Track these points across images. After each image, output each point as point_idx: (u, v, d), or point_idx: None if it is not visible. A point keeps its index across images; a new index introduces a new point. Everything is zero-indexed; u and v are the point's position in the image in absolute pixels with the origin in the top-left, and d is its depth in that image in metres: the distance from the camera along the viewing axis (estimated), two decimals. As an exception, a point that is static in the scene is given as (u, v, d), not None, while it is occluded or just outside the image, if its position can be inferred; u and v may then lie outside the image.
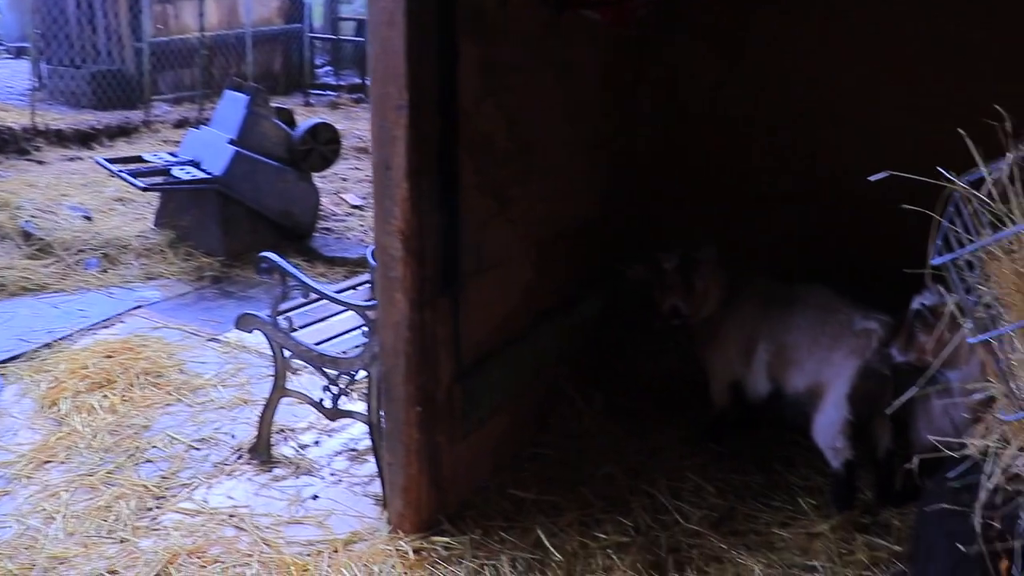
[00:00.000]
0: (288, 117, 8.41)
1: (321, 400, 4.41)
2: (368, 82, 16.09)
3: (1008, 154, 2.39)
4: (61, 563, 3.76)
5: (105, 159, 7.92)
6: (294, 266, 4.54)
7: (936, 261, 1.92)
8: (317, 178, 8.37)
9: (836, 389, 4.00)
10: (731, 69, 5.17)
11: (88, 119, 11.74)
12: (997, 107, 2.48)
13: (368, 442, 4.61)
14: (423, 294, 3.42)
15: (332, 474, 4.53)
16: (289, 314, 4.50)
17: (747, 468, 4.50)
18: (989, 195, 2.39)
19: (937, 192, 2.52)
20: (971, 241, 2.23)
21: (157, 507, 4.19)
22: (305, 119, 8.50)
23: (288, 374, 4.57)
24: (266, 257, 4.42)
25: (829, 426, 4.05)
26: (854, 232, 4.87)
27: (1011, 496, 2.24)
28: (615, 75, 4.93)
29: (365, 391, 4.39)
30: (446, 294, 3.57)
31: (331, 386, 4.36)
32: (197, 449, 4.71)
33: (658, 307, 4.47)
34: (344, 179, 10.41)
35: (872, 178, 2.58)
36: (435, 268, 3.47)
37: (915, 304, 3.60)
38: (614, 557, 3.75)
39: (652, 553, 3.80)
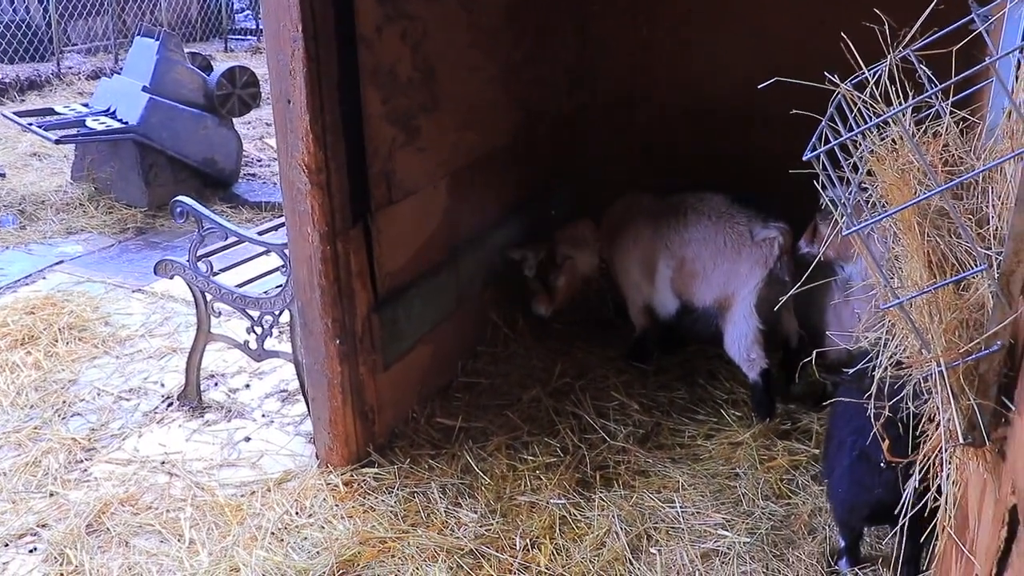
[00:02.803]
0: (204, 63, 8.21)
1: (246, 342, 4.40)
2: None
3: (888, 56, 2.44)
4: (-11, 520, 3.74)
5: (14, 113, 7.67)
6: (212, 210, 4.49)
7: (808, 156, 1.97)
8: (240, 124, 8.23)
9: (744, 300, 4.09)
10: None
11: (-7, 72, 11.35)
12: (876, 11, 2.54)
13: (297, 382, 4.64)
14: (333, 226, 3.41)
15: (263, 415, 4.55)
16: (209, 259, 4.46)
17: (672, 384, 4.62)
18: (872, 96, 2.45)
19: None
20: (853, 141, 2.28)
21: (87, 459, 4.18)
22: (222, 64, 8.30)
23: (212, 319, 4.54)
24: (180, 201, 4.36)
25: (742, 338, 4.15)
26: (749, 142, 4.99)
27: (899, 383, 2.33)
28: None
29: (289, 331, 4.41)
30: (357, 225, 3.56)
31: (255, 327, 4.35)
32: (126, 400, 4.68)
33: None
34: (268, 124, 10.20)
35: (761, 86, 2.63)
36: (343, 199, 3.45)
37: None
38: (542, 477, 3.84)
39: (579, 471, 3.89)
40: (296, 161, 3.30)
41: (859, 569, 3.24)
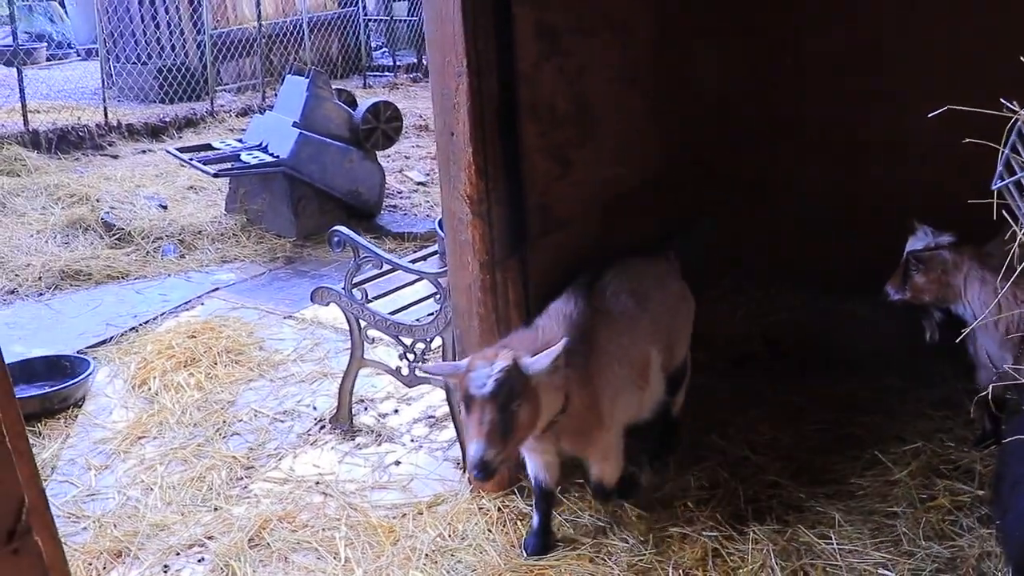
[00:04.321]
0: (350, 98, 8.56)
1: (398, 368, 4.53)
2: (426, 61, 16.27)
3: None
4: (162, 530, 3.96)
5: (176, 149, 8.17)
6: (365, 239, 4.67)
7: (996, 185, 1.91)
8: (381, 157, 8.51)
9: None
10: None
11: (156, 112, 12.11)
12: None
13: (447, 408, 4.74)
14: (493, 256, 3.49)
15: (412, 440, 4.66)
16: (363, 286, 4.62)
17: (819, 419, 4.49)
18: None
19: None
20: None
21: (247, 476, 4.38)
22: (365, 100, 8.63)
23: (365, 345, 4.70)
24: (337, 231, 4.54)
25: None
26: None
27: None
28: (671, 34, 4.92)
29: (441, 358, 4.52)
30: (515, 256, 3.63)
31: (407, 354, 4.46)
32: (281, 421, 4.88)
33: None
34: (407, 157, 10.54)
35: (932, 114, 2.58)
36: (502, 230, 3.53)
37: (909, 247, 3.93)
38: (694, 509, 3.80)
39: (731, 505, 3.83)
40: (459, 192, 3.40)
41: (1036, 621, 3.07)
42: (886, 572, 3.34)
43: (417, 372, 4.44)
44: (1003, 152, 2.14)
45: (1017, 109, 2.41)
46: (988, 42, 4.38)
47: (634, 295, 3.67)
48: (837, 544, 3.51)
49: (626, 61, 4.37)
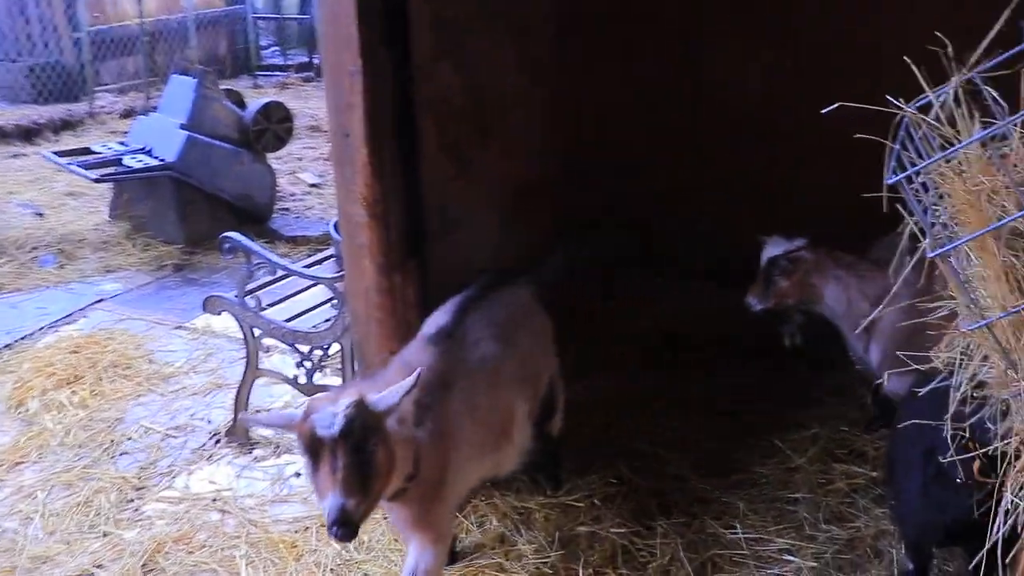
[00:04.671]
0: (238, 99, 8.27)
1: (295, 377, 4.38)
2: (317, 60, 15.92)
3: (952, 78, 2.41)
4: (44, 562, 3.72)
5: (53, 153, 7.73)
6: (258, 244, 4.49)
7: (891, 180, 1.93)
8: (272, 159, 8.25)
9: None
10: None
11: (29, 113, 11.40)
12: (938, 34, 2.51)
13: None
14: (390, 259, 3.38)
15: (313, 451, 4.51)
16: (257, 293, 4.45)
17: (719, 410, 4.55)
18: (937, 119, 2.42)
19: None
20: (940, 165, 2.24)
21: (138, 498, 4.16)
22: (255, 101, 8.36)
23: (260, 354, 4.53)
24: (228, 236, 4.35)
25: None
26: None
27: (979, 404, 2.29)
28: (570, 28, 4.89)
29: (339, 364, 4.39)
30: (413, 258, 3.53)
31: (304, 362, 4.32)
32: (174, 437, 4.66)
33: None
34: (299, 159, 10.28)
35: (825, 111, 2.60)
36: (400, 232, 3.42)
37: (766, 255, 4.05)
38: (601, 507, 3.78)
39: (638, 500, 3.83)
40: (354, 194, 3.28)
41: (931, 595, 3.17)
42: (790, 557, 3.43)
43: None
44: (894, 149, 2.16)
45: (903, 106, 2.45)
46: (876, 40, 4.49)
47: (498, 340, 3.28)
48: (743, 533, 3.60)
49: (525, 56, 4.31)
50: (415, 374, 2.64)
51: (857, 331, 3.82)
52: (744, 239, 4.14)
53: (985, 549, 2.26)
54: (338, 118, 3.23)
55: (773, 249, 4.05)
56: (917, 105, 2.41)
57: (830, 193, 4.23)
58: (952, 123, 2.38)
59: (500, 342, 3.27)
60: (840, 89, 2.57)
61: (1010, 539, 2.28)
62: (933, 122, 2.39)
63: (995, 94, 2.29)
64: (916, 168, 1.99)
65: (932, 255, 1.75)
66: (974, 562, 2.36)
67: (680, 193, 5.24)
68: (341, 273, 3.96)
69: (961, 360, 2.14)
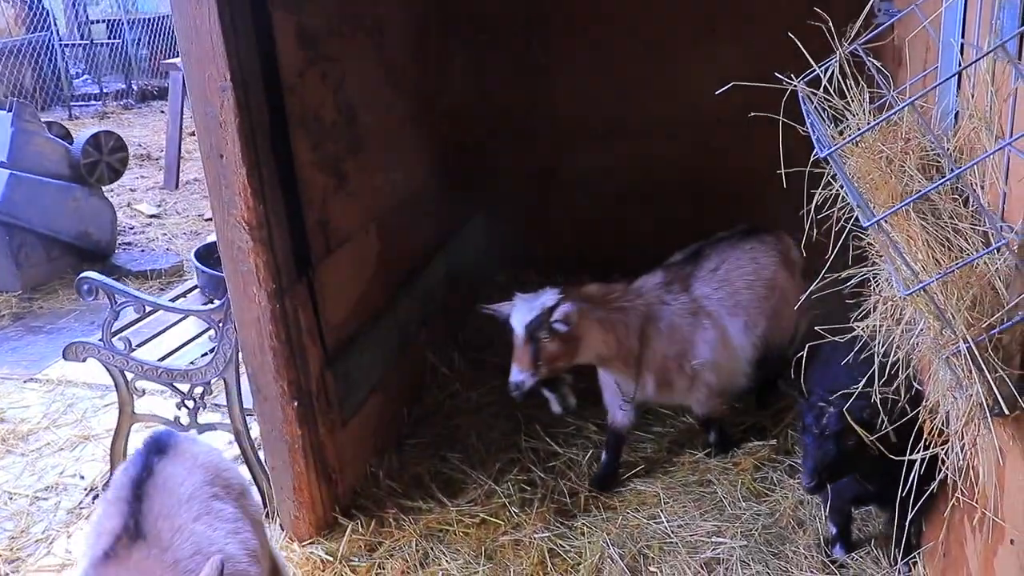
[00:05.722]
0: (62, 131, 7.76)
1: (177, 418, 4.11)
2: (136, 86, 15.14)
3: (837, 51, 2.51)
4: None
5: None
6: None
7: (824, 153, 1.95)
8: (105, 192, 7.75)
9: None
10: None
11: None
12: (817, 9, 2.61)
13: (234, 451, 4.36)
14: (280, 283, 3.22)
15: (202, 493, 4.25)
16: (123, 334, 4.15)
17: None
18: (826, 91, 2.51)
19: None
20: (835, 136, 2.32)
21: (13, 572, 3.79)
22: (81, 132, 7.84)
23: (134, 398, 4.23)
24: (87, 278, 4.02)
25: None
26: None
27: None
28: (427, 32, 4.83)
29: (216, 401, 4.16)
30: (302, 280, 3.39)
31: (186, 401, 4.06)
32: (44, 499, 4.29)
33: None
34: (132, 189, 9.76)
35: (719, 91, 2.66)
36: (286, 254, 3.27)
37: (520, 322, 3.51)
38: (520, 514, 3.73)
39: (555, 501, 3.81)
40: (235, 218, 3.11)
41: (855, 553, 3.29)
42: (720, 539, 3.44)
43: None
44: (809, 122, 2.22)
45: (793, 80, 2.52)
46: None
47: None
48: (667, 522, 3.58)
49: (385, 64, 4.22)
50: None
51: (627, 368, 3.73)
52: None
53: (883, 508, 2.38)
54: (211, 138, 3.05)
55: (525, 311, 3.52)
56: (805, 80, 2.49)
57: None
58: (841, 95, 2.48)
59: None
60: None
61: (918, 494, 2.42)
62: (822, 95, 2.49)
63: (878, 64, 2.41)
64: (855, 136, 2.04)
65: (868, 224, 1.80)
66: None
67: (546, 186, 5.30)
68: (220, 304, 3.75)
69: (882, 326, 2.21)
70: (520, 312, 3.52)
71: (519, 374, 3.50)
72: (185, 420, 4.09)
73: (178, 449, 2.63)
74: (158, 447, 2.60)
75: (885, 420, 2.59)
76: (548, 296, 3.53)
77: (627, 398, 3.83)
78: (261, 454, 3.92)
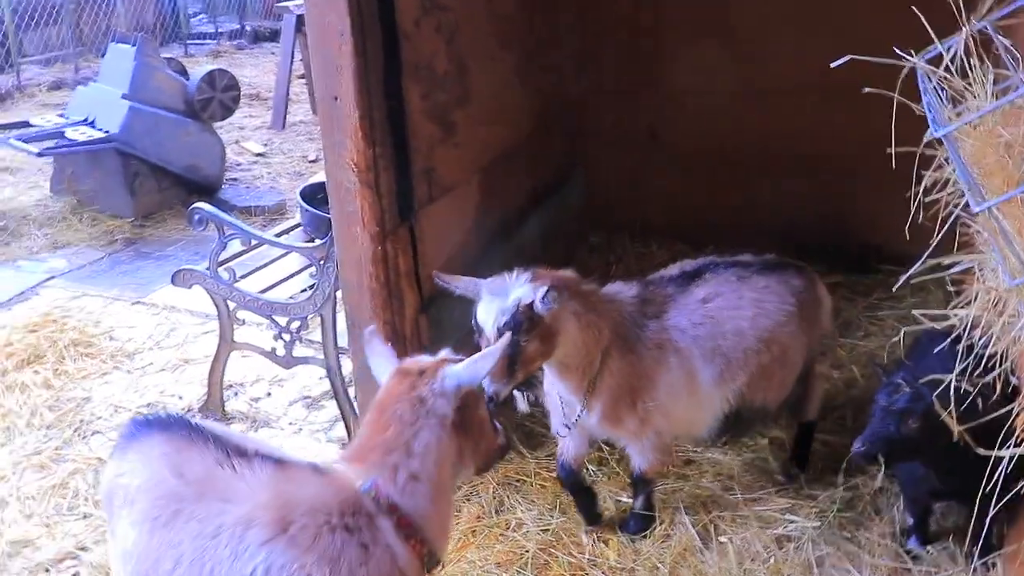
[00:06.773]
0: (180, 67, 8.02)
1: (273, 350, 4.29)
2: (249, 26, 15.50)
3: (963, 28, 2.43)
4: (25, 546, 3.60)
5: (-11, 127, 7.40)
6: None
7: (939, 132, 1.90)
8: (215, 128, 8.02)
9: None
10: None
11: (-51, 88, 10.93)
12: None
13: (324, 387, 4.54)
14: (383, 226, 3.32)
15: (291, 423, 4.45)
16: (228, 265, 4.33)
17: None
18: (947, 70, 2.44)
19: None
20: (951, 117, 2.26)
21: (115, 478, 4.03)
22: (197, 68, 8.10)
23: (234, 327, 4.42)
24: (199, 208, 4.22)
25: None
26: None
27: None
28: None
29: (311, 337, 4.31)
30: (404, 224, 3.48)
31: (283, 334, 4.23)
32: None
33: None
34: (241, 128, 10.04)
35: (835, 64, 2.60)
36: (391, 198, 3.36)
37: (496, 323, 2.85)
38: (596, 474, 3.79)
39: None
40: (344, 160, 3.20)
41: (930, 546, 3.25)
42: (792, 517, 3.43)
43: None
44: (925, 101, 2.16)
45: (912, 57, 2.45)
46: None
47: None
48: (741, 494, 3.59)
49: (495, 16, 4.25)
50: None
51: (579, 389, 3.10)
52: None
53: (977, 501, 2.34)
54: (326, 81, 3.14)
55: (496, 307, 2.86)
56: (926, 58, 2.42)
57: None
58: (963, 75, 2.41)
59: None
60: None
61: (1002, 493, 2.37)
62: (943, 74, 2.41)
63: (1007, 43, 2.32)
64: (972, 116, 1.97)
65: (978, 209, 1.76)
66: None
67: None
68: (323, 242, 3.89)
69: (982, 316, 2.16)
70: (489, 308, 2.87)
71: (492, 385, 2.73)
72: (281, 352, 4.27)
73: None
74: None
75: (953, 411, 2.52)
76: (520, 285, 2.90)
77: (568, 421, 3.24)
78: (351, 390, 4.08)
